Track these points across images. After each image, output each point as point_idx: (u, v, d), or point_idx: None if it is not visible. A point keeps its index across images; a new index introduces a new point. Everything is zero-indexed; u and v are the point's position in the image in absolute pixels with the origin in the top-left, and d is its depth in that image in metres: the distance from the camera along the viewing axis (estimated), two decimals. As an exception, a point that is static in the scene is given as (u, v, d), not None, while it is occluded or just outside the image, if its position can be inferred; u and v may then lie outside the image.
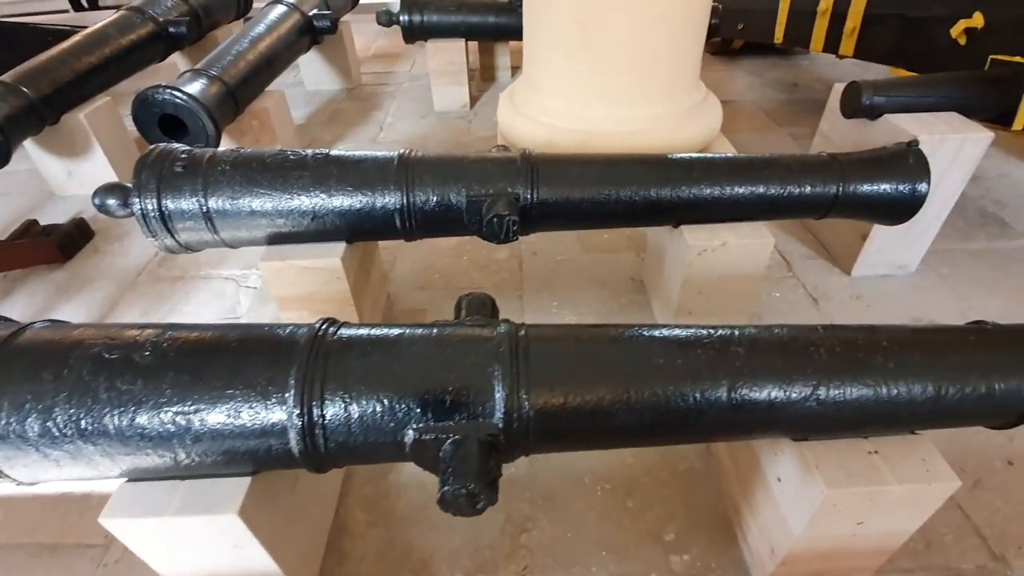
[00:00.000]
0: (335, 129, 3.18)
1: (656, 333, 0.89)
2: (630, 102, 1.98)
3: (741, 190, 1.40)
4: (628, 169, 1.40)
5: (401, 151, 1.40)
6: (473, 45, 3.84)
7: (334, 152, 1.39)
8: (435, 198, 1.35)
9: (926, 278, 1.90)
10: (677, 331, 0.89)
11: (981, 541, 1.18)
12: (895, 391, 0.85)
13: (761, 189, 1.41)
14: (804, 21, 2.90)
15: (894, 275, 1.91)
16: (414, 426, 0.81)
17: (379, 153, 1.40)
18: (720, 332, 0.89)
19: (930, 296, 1.82)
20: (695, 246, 1.41)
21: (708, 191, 1.39)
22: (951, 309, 1.77)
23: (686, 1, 1.84)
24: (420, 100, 3.47)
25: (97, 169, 2.44)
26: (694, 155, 1.43)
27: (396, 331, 0.89)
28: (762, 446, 1.04)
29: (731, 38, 3.91)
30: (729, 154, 1.45)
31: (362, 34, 4.79)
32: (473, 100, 3.42)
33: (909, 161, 1.39)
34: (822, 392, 0.84)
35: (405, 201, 1.33)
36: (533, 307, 1.84)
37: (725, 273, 1.46)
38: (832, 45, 2.71)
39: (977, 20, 1.87)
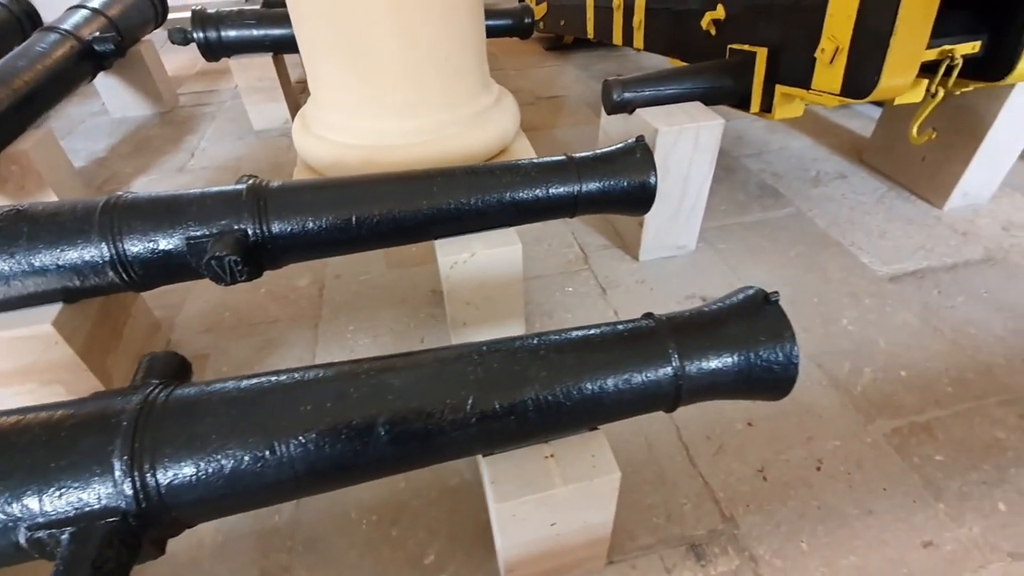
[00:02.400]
0: (139, 160, 2.92)
1: (313, 375, 0.86)
2: (410, 113, 1.96)
3: (486, 199, 1.42)
4: (364, 191, 1.36)
5: (109, 196, 1.28)
6: (295, 56, 3.68)
7: (25, 206, 1.25)
8: (149, 245, 1.24)
9: (704, 255, 2.04)
10: (341, 368, 0.87)
11: (715, 505, 1.28)
12: (551, 398, 0.88)
13: (506, 196, 1.43)
14: (606, 16, 3.03)
15: (676, 255, 2.03)
16: (26, 524, 0.73)
17: (81, 201, 1.27)
18: (378, 363, 0.88)
19: (706, 272, 1.96)
20: (446, 260, 1.41)
21: (451, 204, 1.40)
22: (722, 282, 1.91)
23: (446, 12, 1.84)
24: (240, 120, 3.27)
25: None
26: (435, 168, 1.43)
27: (6, 420, 0.79)
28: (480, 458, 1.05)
29: (559, 33, 4.02)
30: (473, 164, 1.46)
31: (187, 50, 4.44)
32: (300, 115, 3.27)
33: (636, 156, 1.47)
34: (482, 410, 0.85)
35: (114, 252, 1.22)
36: (328, 336, 1.78)
37: (484, 282, 1.47)
38: (628, 39, 2.85)
39: (720, 12, 2.02)
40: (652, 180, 1.47)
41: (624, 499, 1.30)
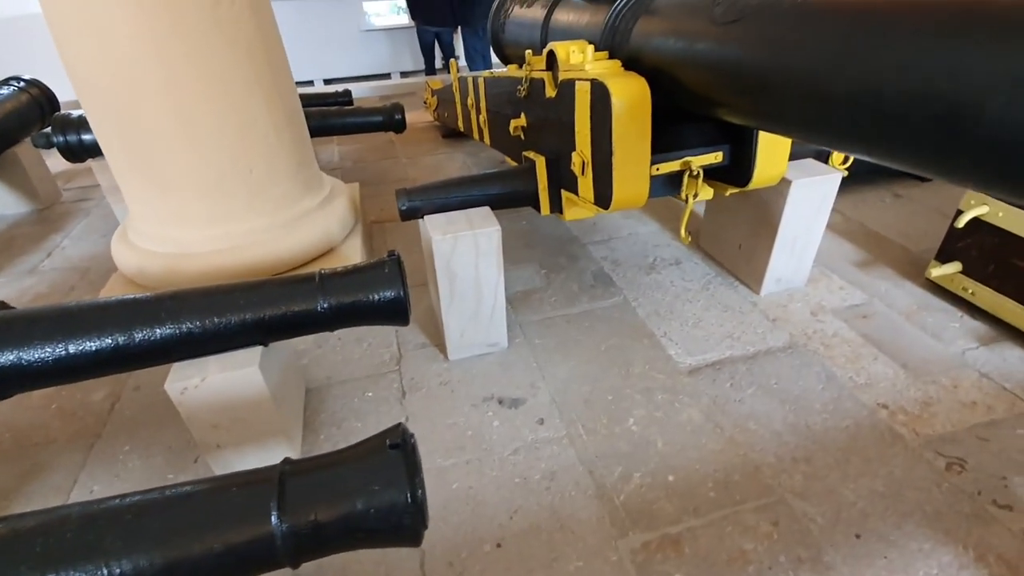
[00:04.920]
0: (-6, 262, 2.88)
1: None
2: (213, 223, 1.98)
3: (223, 321, 1.41)
4: (81, 320, 1.34)
5: None
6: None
7: None
8: None
9: (518, 351, 2.04)
10: None
11: (431, 646, 1.20)
12: (129, 570, 0.83)
13: (247, 317, 1.42)
14: (468, 113, 3.19)
15: (489, 353, 2.03)
16: None
17: None
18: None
19: (512, 370, 1.96)
20: (174, 387, 1.37)
21: (183, 329, 1.38)
22: (525, 381, 1.90)
23: (243, 128, 1.91)
24: (112, 216, 3.27)
25: None
26: (169, 292, 1.43)
27: None
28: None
29: (447, 125, 4.21)
30: (214, 284, 1.46)
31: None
32: (178, 209, 3.30)
33: (385, 271, 1.50)
34: (40, 589, 0.80)
35: None
36: (100, 458, 1.69)
37: (225, 405, 1.43)
38: (481, 136, 2.99)
39: (522, 120, 2.14)
40: (399, 294, 1.48)
41: (341, 644, 1.22)
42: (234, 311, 1.41)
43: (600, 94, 1.46)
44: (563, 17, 2.08)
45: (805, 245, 2.20)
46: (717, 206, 2.48)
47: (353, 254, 2.28)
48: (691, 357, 1.98)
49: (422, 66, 6.46)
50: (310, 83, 6.21)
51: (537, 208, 2.00)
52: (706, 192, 1.90)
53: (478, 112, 2.88)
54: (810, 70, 0.97)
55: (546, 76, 1.81)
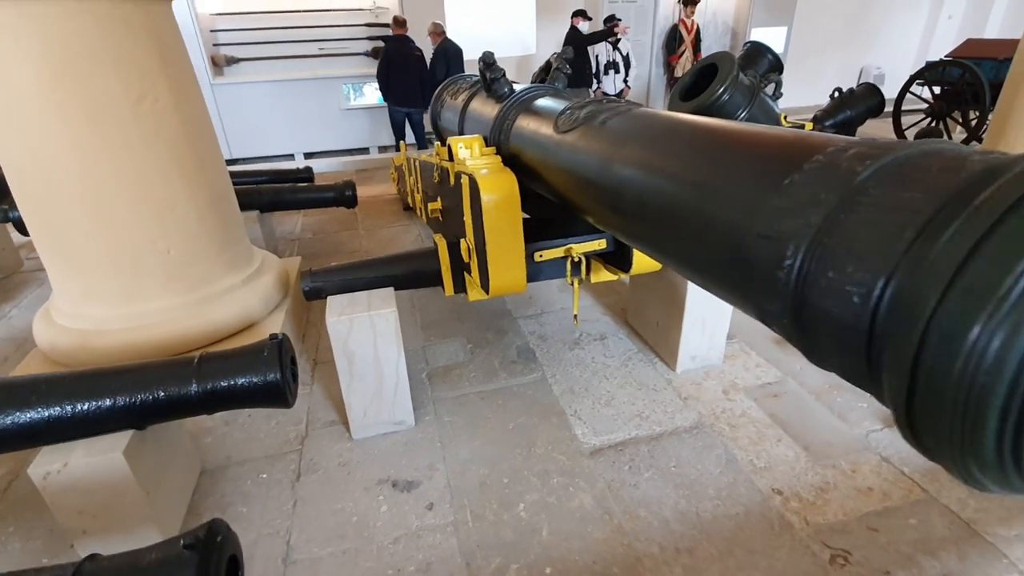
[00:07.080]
0: (-64, 332, 2.92)
1: None
2: (128, 301, 2.03)
3: (95, 405, 1.42)
4: (-53, 405, 1.36)
5: None
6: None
7: None
8: None
9: (425, 430, 2.04)
10: None
11: None
12: None
13: (119, 401, 1.44)
14: (413, 191, 3.34)
15: (395, 431, 2.02)
16: None
17: None
18: None
19: (414, 450, 1.94)
20: (37, 471, 1.37)
21: (54, 412, 1.40)
22: (424, 462, 1.89)
23: (159, 212, 2.00)
24: (64, 287, 3.35)
25: None
26: (44, 376, 1.46)
27: None
28: None
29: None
30: (89, 368, 1.49)
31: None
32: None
33: (264, 355, 1.53)
34: None
35: None
36: (-23, 542, 1.66)
37: (91, 490, 1.42)
38: (422, 215, 3.12)
39: (439, 203, 2.25)
40: (277, 378, 1.50)
41: None
42: (106, 395, 1.43)
43: (474, 188, 1.55)
44: (474, 109, 2.24)
45: (716, 324, 2.24)
46: (639, 283, 2.54)
47: (273, 330, 2.31)
48: (596, 437, 1.97)
49: (398, 142, 6.79)
50: (291, 156, 6.51)
51: (444, 288, 2.05)
52: (600, 276, 1.97)
53: (417, 191, 3.02)
54: (615, 182, 1.05)
55: (449, 166, 1.93)
